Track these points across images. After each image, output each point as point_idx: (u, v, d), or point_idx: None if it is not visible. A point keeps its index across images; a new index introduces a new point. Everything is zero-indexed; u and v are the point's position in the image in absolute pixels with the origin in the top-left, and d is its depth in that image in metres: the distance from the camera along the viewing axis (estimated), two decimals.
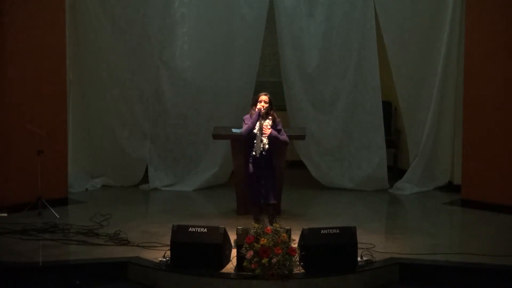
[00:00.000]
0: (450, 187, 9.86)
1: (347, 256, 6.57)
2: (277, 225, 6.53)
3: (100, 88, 9.88)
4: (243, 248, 6.37)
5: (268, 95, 7.47)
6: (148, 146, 10.03)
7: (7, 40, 8.48)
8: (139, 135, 10.05)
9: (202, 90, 9.98)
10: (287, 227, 6.53)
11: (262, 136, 7.31)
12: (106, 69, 9.83)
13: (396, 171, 10.42)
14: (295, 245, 6.51)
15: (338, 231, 6.61)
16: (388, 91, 10.14)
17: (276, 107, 7.63)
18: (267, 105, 7.40)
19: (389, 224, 8.64)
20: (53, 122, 8.81)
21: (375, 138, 9.90)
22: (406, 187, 9.84)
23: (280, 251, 6.28)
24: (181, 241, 6.58)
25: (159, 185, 9.95)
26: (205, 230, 6.63)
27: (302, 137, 8.86)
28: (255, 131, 7.34)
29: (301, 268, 6.47)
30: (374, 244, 7.22)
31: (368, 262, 6.72)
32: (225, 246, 6.67)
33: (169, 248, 6.67)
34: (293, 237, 6.48)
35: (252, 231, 6.44)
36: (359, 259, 6.72)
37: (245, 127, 7.45)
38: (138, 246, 7.26)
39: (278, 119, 7.51)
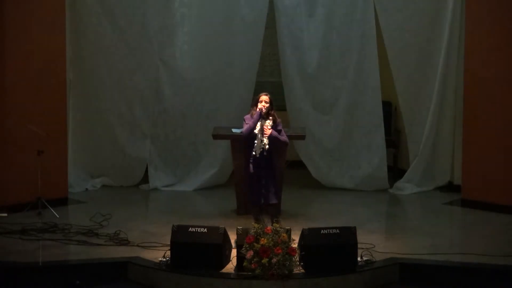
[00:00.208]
0: (450, 187, 9.85)
1: (347, 256, 6.56)
2: (277, 225, 6.53)
3: (100, 88, 9.87)
4: (243, 248, 6.36)
5: (269, 95, 7.47)
6: (148, 146, 10.03)
7: (7, 40, 8.48)
8: (139, 135, 10.05)
9: (202, 90, 9.98)
10: (287, 227, 6.52)
11: (262, 137, 7.32)
12: (106, 69, 9.83)
13: (396, 171, 10.42)
14: (295, 245, 6.50)
15: (338, 231, 6.61)
16: (388, 91, 10.14)
17: (276, 107, 7.62)
18: (268, 105, 7.40)
19: (389, 224, 8.64)
20: (53, 122, 8.81)
21: (375, 138, 9.90)
22: (406, 187, 9.84)
23: (280, 251, 6.28)
24: (181, 241, 6.57)
25: (159, 185, 9.95)
26: (205, 230, 6.62)
27: (302, 137, 8.85)
28: (255, 131, 7.34)
29: (301, 268, 6.46)
30: (374, 244, 7.21)
31: (368, 262, 6.71)
32: (225, 246, 6.66)
33: (169, 248, 6.66)
34: (293, 237, 6.48)
35: (252, 231, 6.43)
36: (359, 259, 6.71)
37: (246, 126, 7.44)
38: (138, 246, 7.26)
39: (278, 120, 7.50)
